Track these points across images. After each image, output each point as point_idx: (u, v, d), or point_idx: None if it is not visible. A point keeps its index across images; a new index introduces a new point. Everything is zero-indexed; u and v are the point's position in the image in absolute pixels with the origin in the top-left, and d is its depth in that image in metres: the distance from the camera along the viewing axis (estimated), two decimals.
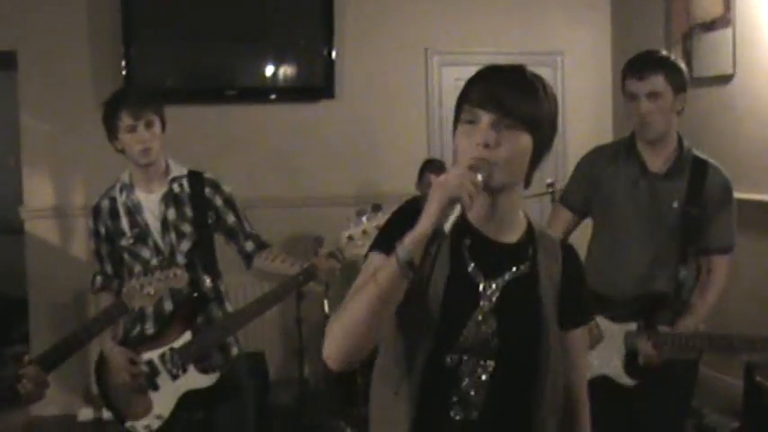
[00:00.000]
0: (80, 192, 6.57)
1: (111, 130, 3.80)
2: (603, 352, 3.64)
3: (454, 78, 7.41)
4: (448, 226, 1.91)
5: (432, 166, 6.10)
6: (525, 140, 2.06)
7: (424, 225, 1.93)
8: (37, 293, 6.55)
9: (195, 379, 3.76)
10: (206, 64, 6.76)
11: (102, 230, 3.90)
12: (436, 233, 1.92)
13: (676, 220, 3.58)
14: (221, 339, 3.81)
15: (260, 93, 6.84)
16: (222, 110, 6.74)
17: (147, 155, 3.76)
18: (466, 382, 2.11)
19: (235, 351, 3.91)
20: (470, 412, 2.12)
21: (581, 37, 7.54)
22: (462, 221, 2.07)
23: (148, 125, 3.74)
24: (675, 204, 3.57)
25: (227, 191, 3.93)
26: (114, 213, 3.88)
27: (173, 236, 3.82)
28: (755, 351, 3.51)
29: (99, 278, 3.97)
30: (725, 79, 6.16)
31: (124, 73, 6.42)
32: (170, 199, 3.83)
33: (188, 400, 3.79)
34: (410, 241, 1.92)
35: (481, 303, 2.12)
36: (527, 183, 2.16)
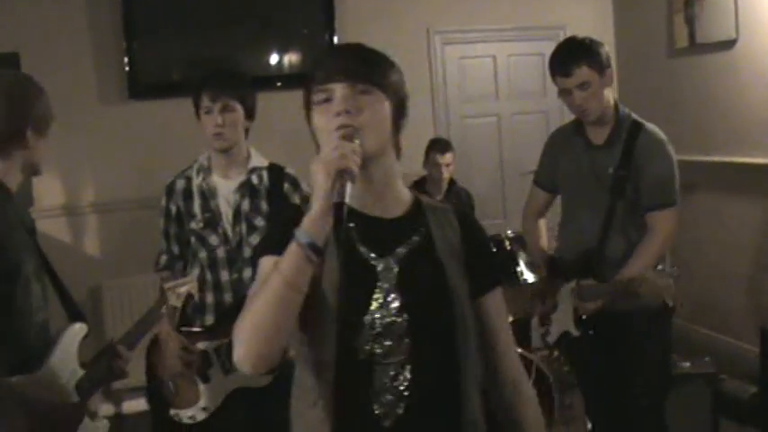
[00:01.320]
0: (89, 188, 6.59)
1: (196, 109, 3.77)
2: (562, 309, 3.88)
3: (457, 57, 7.43)
4: (347, 196, 1.84)
5: (437, 146, 6.09)
6: (383, 102, 2.04)
7: (318, 204, 1.86)
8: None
9: (248, 377, 3.56)
10: (209, 55, 6.74)
11: (174, 210, 3.86)
12: (339, 207, 1.83)
13: (609, 183, 3.73)
14: None
15: (265, 81, 6.83)
16: None
17: (219, 139, 3.71)
18: (383, 372, 1.99)
19: (292, 352, 3.85)
20: (395, 406, 1.99)
21: (583, 11, 7.53)
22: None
23: (225, 109, 3.70)
24: (610, 170, 3.72)
25: (305, 191, 3.81)
26: (188, 194, 3.84)
27: (243, 227, 3.75)
28: (633, 292, 3.54)
29: (164, 257, 3.95)
30: (728, 44, 6.15)
31: (127, 69, 6.43)
32: (246, 189, 3.77)
33: (237, 397, 3.72)
34: (308, 222, 1.86)
35: (379, 283, 2.02)
36: (397, 151, 2.12)
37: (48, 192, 6.55)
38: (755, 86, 5.94)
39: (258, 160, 3.85)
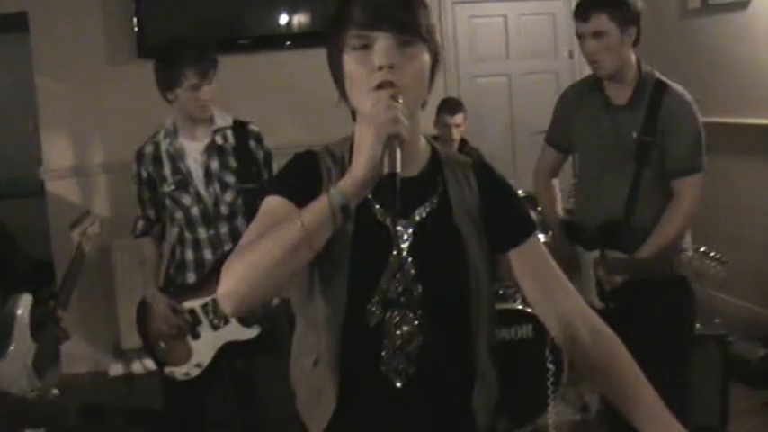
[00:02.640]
0: (99, 150, 6.59)
1: (170, 83, 3.79)
2: (582, 279, 3.77)
3: (468, 16, 7.38)
4: (399, 165, 1.69)
5: (447, 106, 6.06)
6: (425, 54, 1.88)
7: (364, 169, 1.71)
8: (61, 253, 6.57)
9: (236, 331, 3.81)
10: (218, 15, 6.71)
11: (145, 175, 3.95)
12: (393, 178, 1.67)
13: (634, 148, 3.62)
14: None
15: (274, 40, 6.81)
16: (237, 60, 6.69)
17: (205, 111, 3.81)
18: (393, 338, 1.91)
19: (276, 301, 3.93)
20: (405, 368, 1.93)
21: None
22: None
23: (210, 81, 3.78)
24: (634, 135, 3.61)
25: (268, 147, 3.95)
26: (157, 159, 3.92)
27: (217, 186, 3.85)
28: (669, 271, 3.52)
29: (141, 222, 4.04)
30: (741, 5, 6.08)
31: (136, 29, 6.39)
32: (213, 150, 3.86)
33: (228, 351, 3.85)
34: (349, 184, 1.72)
35: (394, 249, 1.91)
36: (423, 104, 1.96)
37: (57, 153, 6.55)
38: None
39: (222, 120, 3.92)
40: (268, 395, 3.96)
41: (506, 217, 2.06)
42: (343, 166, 1.98)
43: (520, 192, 5.35)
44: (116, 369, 6.54)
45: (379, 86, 1.78)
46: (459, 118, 6.02)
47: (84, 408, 5.33)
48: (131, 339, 6.28)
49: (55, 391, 3.29)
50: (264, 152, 3.93)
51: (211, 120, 3.89)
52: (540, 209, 5.22)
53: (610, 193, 3.71)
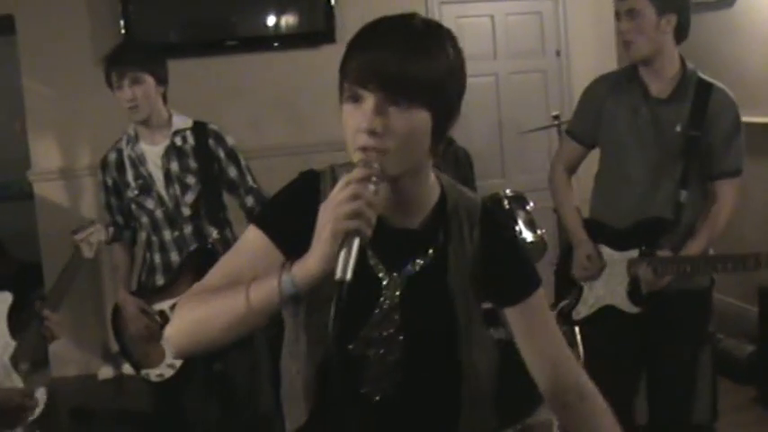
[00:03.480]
0: (86, 151, 6.56)
1: (110, 88, 3.86)
2: (608, 281, 3.68)
3: (455, 17, 7.37)
4: (350, 269, 1.55)
5: None
6: (421, 117, 1.69)
7: (316, 264, 1.61)
8: (50, 255, 6.57)
9: None
10: (205, 16, 6.71)
11: (110, 182, 4.00)
12: (341, 286, 1.55)
13: (679, 144, 3.53)
14: None
15: (261, 41, 6.81)
16: (224, 60, 6.70)
17: (135, 112, 3.83)
18: (373, 369, 1.89)
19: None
20: (383, 390, 1.90)
21: None
22: None
23: (135, 82, 3.78)
24: (678, 128, 3.52)
25: (230, 143, 3.97)
26: (120, 165, 3.96)
27: (177, 188, 3.88)
28: (751, 268, 3.39)
29: (111, 229, 4.05)
30: (727, 2, 6.10)
31: (123, 31, 6.38)
32: (172, 152, 3.89)
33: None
34: (303, 276, 1.64)
35: (382, 299, 1.87)
36: (435, 154, 1.80)
37: (44, 155, 6.53)
38: (755, 45, 5.90)
39: (180, 122, 3.95)
40: (245, 391, 3.99)
41: (507, 274, 1.97)
42: None
43: (507, 191, 5.36)
44: (105, 372, 6.53)
45: (363, 148, 1.68)
46: None
47: (74, 410, 5.32)
48: None
49: (41, 391, 3.28)
50: (226, 150, 3.95)
51: (169, 122, 3.92)
52: (529, 207, 5.23)
53: (648, 189, 3.61)
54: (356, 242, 1.57)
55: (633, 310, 3.62)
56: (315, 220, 1.64)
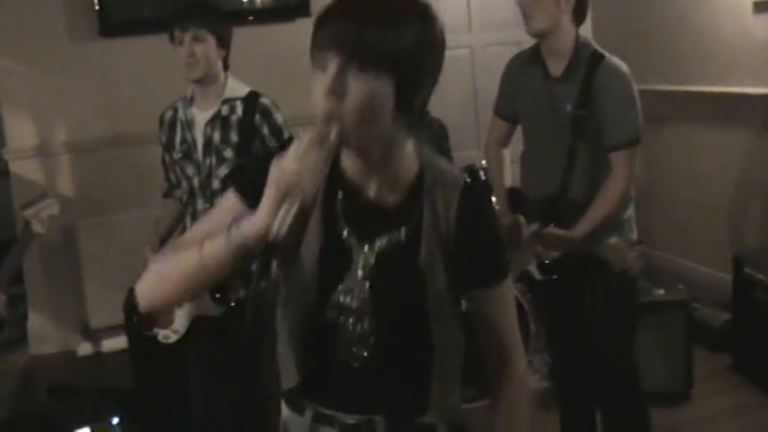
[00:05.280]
0: (62, 128, 6.53)
1: (173, 43, 3.83)
2: (525, 249, 3.78)
3: None
4: (284, 230, 1.63)
5: None
6: (380, 84, 1.71)
7: (261, 219, 1.68)
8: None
9: (206, 305, 3.82)
10: None
11: (164, 139, 3.99)
12: (270, 248, 1.66)
13: (568, 122, 3.63)
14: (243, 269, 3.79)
15: (236, 15, 6.76)
16: None
17: (193, 68, 3.78)
18: (347, 337, 1.92)
19: (263, 284, 3.92)
20: (358, 358, 1.93)
21: None
22: (335, 167, 1.86)
23: (196, 39, 3.77)
24: (569, 107, 3.62)
25: (278, 120, 3.88)
26: (172, 125, 3.96)
27: (213, 158, 3.83)
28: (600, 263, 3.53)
29: (165, 185, 4.10)
30: None
31: (97, 7, 6.33)
32: (217, 121, 3.84)
33: (200, 324, 3.88)
34: (247, 229, 1.71)
35: (352, 270, 1.91)
36: (406, 126, 1.85)
37: (19, 133, 6.49)
38: (728, 13, 5.93)
39: (234, 90, 3.90)
40: (246, 369, 4.00)
41: (480, 258, 1.96)
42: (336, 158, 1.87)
43: (483, 162, 5.37)
44: (84, 348, 6.53)
45: (322, 113, 1.73)
46: None
47: (52, 387, 5.33)
48: (99, 318, 6.29)
49: None
50: (271, 127, 3.85)
51: (223, 88, 3.88)
52: None
53: (545, 164, 3.74)
54: (295, 204, 1.63)
55: (539, 277, 3.74)
56: None
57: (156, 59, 4.19)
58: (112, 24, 6.28)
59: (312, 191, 1.66)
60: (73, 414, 4.12)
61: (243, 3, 6.83)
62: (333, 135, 1.70)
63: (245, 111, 3.84)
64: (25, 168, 6.49)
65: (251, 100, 3.87)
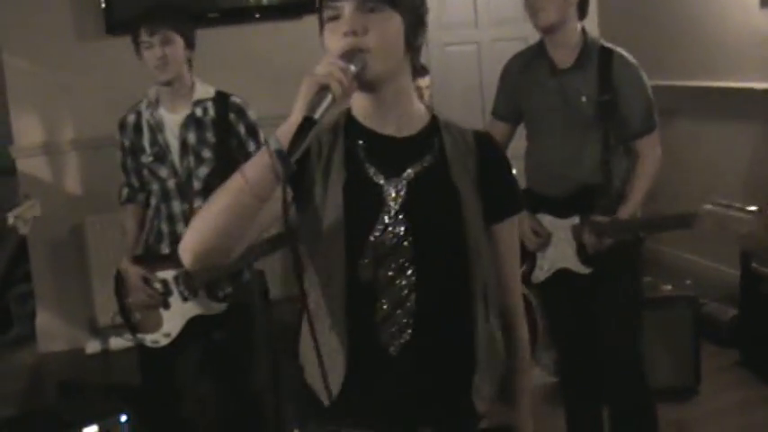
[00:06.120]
0: (69, 127, 6.54)
1: (136, 50, 3.84)
2: (557, 246, 3.80)
3: None
4: (318, 112, 1.72)
5: (423, 72, 6.14)
6: (395, 21, 1.91)
7: (294, 116, 1.76)
8: (34, 231, 6.57)
9: (204, 305, 3.84)
10: None
11: (127, 143, 3.96)
12: (306, 121, 1.71)
13: (591, 111, 3.64)
14: (231, 268, 3.80)
15: (243, 13, 6.78)
16: (206, 33, 6.64)
17: (163, 71, 3.78)
18: (388, 300, 1.94)
19: (247, 276, 3.97)
20: (398, 335, 1.94)
21: None
22: (351, 123, 2.02)
23: (165, 42, 3.76)
24: (584, 98, 3.64)
25: (251, 118, 3.91)
26: (138, 129, 3.93)
27: (191, 160, 3.83)
28: (686, 226, 3.51)
29: (125, 190, 4.07)
30: None
31: (103, 5, 6.34)
32: (191, 123, 3.84)
33: (197, 324, 3.87)
34: (282, 130, 1.77)
35: (386, 206, 1.96)
36: (415, 69, 2.03)
37: (27, 130, 6.51)
38: (735, 8, 5.92)
39: (203, 91, 3.91)
40: (240, 366, 4.01)
41: (501, 188, 2.10)
42: (336, 129, 2.04)
43: None
44: (93, 346, 6.54)
45: (345, 52, 1.85)
46: (428, 80, 6.13)
47: (61, 384, 5.34)
48: (107, 316, 6.29)
49: None
50: (246, 124, 3.89)
51: (192, 90, 3.88)
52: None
53: (568, 156, 3.73)
54: (328, 96, 1.75)
55: (584, 270, 3.74)
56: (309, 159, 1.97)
57: None
58: (119, 22, 6.27)
59: (342, 85, 1.77)
60: (81, 411, 4.12)
61: (249, 0, 6.82)
62: (359, 59, 1.84)
63: (217, 111, 3.87)
64: (33, 166, 6.51)
65: (222, 100, 3.90)
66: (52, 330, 6.55)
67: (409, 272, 1.94)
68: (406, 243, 1.94)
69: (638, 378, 3.83)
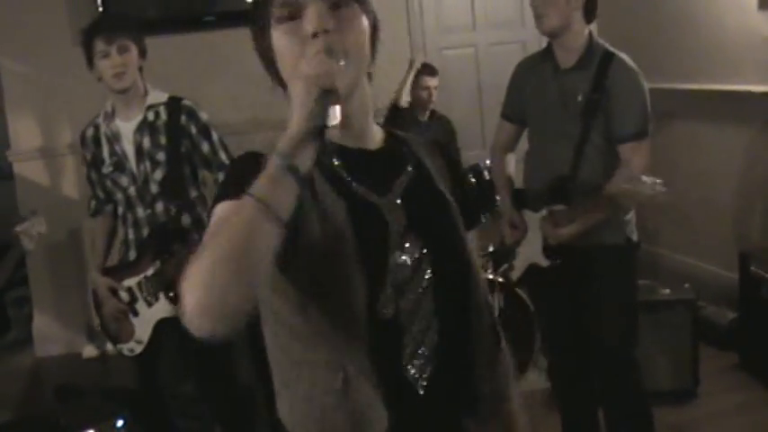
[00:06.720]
0: (67, 130, 6.53)
1: (89, 59, 3.83)
2: (529, 241, 3.87)
3: None
4: (331, 119, 1.52)
5: (427, 69, 6.21)
6: (363, 19, 1.72)
7: (298, 126, 1.52)
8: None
9: (165, 307, 3.86)
10: None
11: (89, 157, 4.01)
12: (315, 131, 1.51)
13: (580, 107, 3.66)
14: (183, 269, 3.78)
15: (239, 16, 6.74)
16: (202, 37, 6.67)
17: (120, 79, 3.78)
18: (410, 331, 1.74)
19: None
20: (424, 368, 1.74)
21: None
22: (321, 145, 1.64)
23: (121, 50, 3.76)
24: (580, 97, 3.65)
25: (203, 119, 3.92)
26: (97, 141, 3.97)
27: (147, 164, 3.86)
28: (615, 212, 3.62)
29: (93, 203, 4.10)
30: None
31: (101, 8, 6.33)
32: (144, 128, 3.86)
33: (167, 327, 3.88)
34: (286, 143, 1.52)
35: (391, 226, 1.75)
36: (370, 75, 1.80)
37: (24, 135, 6.50)
38: (733, 10, 5.90)
39: (155, 97, 3.93)
40: (224, 365, 4.01)
41: (466, 198, 1.94)
42: None
43: (488, 162, 5.39)
44: (90, 350, 6.53)
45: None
46: (437, 80, 6.20)
47: (58, 389, 5.33)
48: None
49: None
50: (199, 125, 3.89)
51: (145, 97, 3.90)
52: None
53: (554, 155, 3.75)
54: (334, 97, 1.55)
55: (546, 263, 3.79)
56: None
57: (159, 61, 4.17)
58: None
59: (343, 89, 1.59)
60: (78, 415, 4.13)
61: (245, 3, 6.73)
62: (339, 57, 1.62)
63: (169, 114, 3.89)
64: (30, 170, 6.51)
65: (174, 103, 3.92)
66: (49, 334, 6.54)
67: (429, 297, 1.77)
68: (424, 265, 1.77)
69: (632, 381, 3.82)
